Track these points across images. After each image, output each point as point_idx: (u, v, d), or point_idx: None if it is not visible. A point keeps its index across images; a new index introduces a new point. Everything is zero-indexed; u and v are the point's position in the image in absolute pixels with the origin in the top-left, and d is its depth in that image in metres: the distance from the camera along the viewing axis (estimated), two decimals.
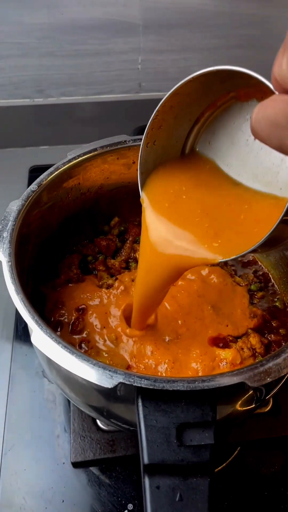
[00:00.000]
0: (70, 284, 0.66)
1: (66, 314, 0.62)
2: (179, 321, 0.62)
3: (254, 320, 0.64)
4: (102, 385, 0.40)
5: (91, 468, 0.64)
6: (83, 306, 0.63)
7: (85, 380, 0.41)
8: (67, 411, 0.68)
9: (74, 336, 0.61)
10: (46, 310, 0.63)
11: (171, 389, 0.40)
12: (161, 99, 1.09)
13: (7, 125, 1.07)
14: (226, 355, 0.58)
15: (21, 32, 0.94)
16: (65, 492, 0.62)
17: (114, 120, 1.08)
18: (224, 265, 0.70)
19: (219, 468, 0.63)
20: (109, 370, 0.41)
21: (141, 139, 0.65)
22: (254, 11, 0.96)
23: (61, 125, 1.08)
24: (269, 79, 0.34)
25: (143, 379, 0.40)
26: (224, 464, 0.64)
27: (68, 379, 0.49)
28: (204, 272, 0.68)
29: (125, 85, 1.06)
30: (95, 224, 0.73)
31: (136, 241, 0.71)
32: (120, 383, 0.40)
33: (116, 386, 0.40)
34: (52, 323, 0.61)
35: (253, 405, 0.52)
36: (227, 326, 0.63)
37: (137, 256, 0.69)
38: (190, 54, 1.03)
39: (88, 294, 0.65)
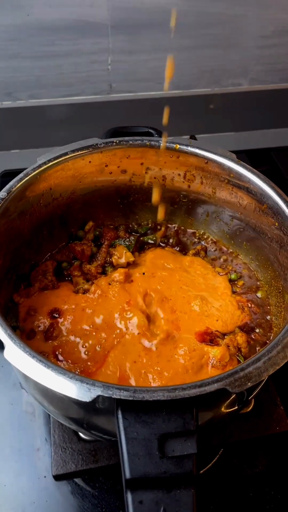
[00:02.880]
0: (45, 291, 0.65)
1: (40, 321, 0.61)
2: (165, 314, 0.62)
3: (244, 315, 0.63)
4: (80, 399, 0.39)
5: (74, 480, 0.62)
6: (57, 310, 0.62)
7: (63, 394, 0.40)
8: (47, 423, 0.66)
9: (49, 343, 0.59)
10: (20, 319, 0.61)
11: (151, 399, 0.39)
12: (132, 100, 1.08)
13: None
14: (215, 353, 0.58)
15: None
16: (47, 506, 0.60)
17: (85, 122, 1.07)
18: (205, 256, 0.70)
19: (202, 471, 0.62)
20: (87, 383, 0.40)
21: (113, 141, 0.65)
22: (222, 10, 0.96)
23: (32, 128, 1.06)
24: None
25: (122, 391, 0.39)
26: (207, 467, 0.63)
27: (46, 392, 0.47)
28: (186, 261, 0.68)
29: (96, 86, 1.04)
30: (69, 230, 0.71)
31: (112, 245, 0.70)
32: (98, 395, 0.39)
33: (95, 399, 0.39)
34: (25, 332, 0.60)
35: (236, 407, 0.51)
36: (217, 321, 0.62)
37: (114, 260, 0.68)
38: (160, 54, 1.02)
39: (63, 300, 0.63)
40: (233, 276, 0.67)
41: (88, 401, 0.39)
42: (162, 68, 1.04)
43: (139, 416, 0.39)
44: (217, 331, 0.61)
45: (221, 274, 0.67)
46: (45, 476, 0.62)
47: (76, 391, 0.40)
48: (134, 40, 0.98)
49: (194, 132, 1.09)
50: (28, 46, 0.95)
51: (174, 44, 1.00)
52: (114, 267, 0.67)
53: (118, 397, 0.39)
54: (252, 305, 0.64)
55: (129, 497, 0.36)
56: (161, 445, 0.38)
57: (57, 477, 0.61)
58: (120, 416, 0.40)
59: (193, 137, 1.00)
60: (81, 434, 0.63)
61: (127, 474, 0.37)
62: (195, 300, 0.63)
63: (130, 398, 0.39)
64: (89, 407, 0.44)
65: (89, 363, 0.57)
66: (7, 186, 0.57)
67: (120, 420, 0.39)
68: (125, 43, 0.99)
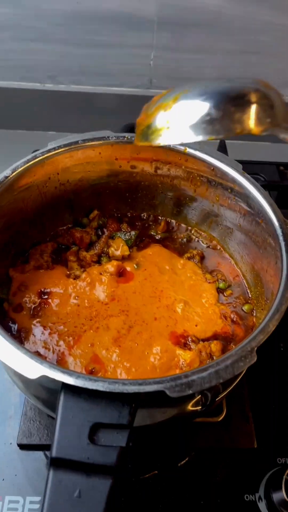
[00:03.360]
0: (40, 270, 0.68)
1: (29, 298, 0.64)
2: (146, 313, 0.63)
3: (224, 324, 0.63)
4: (25, 374, 0.41)
5: (36, 452, 0.65)
6: (47, 291, 0.64)
7: None
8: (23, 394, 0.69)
9: (33, 320, 0.62)
10: (10, 293, 0.64)
11: (90, 388, 0.40)
12: None
13: (16, 107, 1.09)
14: (185, 357, 0.59)
15: (37, 16, 0.95)
16: (7, 471, 0.63)
17: (122, 113, 1.08)
18: (199, 261, 0.70)
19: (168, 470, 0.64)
20: (36, 361, 0.42)
21: (124, 136, 0.66)
22: (270, 18, 0.94)
23: (69, 112, 1.09)
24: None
25: (65, 374, 0.41)
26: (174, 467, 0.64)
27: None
28: (178, 263, 0.70)
29: (136, 79, 1.06)
30: (75, 215, 0.73)
31: (112, 236, 0.72)
32: (43, 375, 0.41)
33: (39, 377, 0.41)
34: (13, 306, 0.63)
35: (197, 409, 0.52)
36: (196, 326, 0.63)
37: (110, 252, 0.70)
38: (203, 56, 1.02)
39: (54, 282, 0.66)
40: (221, 285, 0.67)
41: (33, 378, 0.41)
42: (204, 69, 1.05)
43: (79, 401, 0.41)
44: (194, 335, 0.61)
45: (209, 281, 0.67)
46: (11, 443, 0.66)
47: (22, 367, 0.42)
48: (178, 38, 0.99)
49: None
50: (75, 33, 0.98)
51: (218, 47, 1.00)
52: (110, 258, 0.69)
53: (61, 379, 0.41)
54: (235, 317, 0.63)
55: (50, 474, 0.38)
56: (93, 433, 0.40)
57: (21, 446, 0.64)
58: (61, 397, 0.41)
59: (222, 142, 1.00)
60: None
61: (53, 453, 0.39)
62: (178, 303, 0.64)
63: (72, 383, 0.41)
64: (42, 385, 0.47)
65: (64, 346, 0.59)
66: (13, 166, 0.59)
67: (61, 402, 0.41)
68: (169, 40, 0.99)
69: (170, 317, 0.63)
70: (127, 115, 1.08)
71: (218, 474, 0.65)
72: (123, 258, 0.69)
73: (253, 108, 0.41)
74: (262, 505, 0.62)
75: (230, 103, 0.41)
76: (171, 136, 0.44)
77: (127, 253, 0.69)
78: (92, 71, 1.04)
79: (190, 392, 0.41)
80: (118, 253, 0.69)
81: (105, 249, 0.70)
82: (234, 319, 0.63)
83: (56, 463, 0.39)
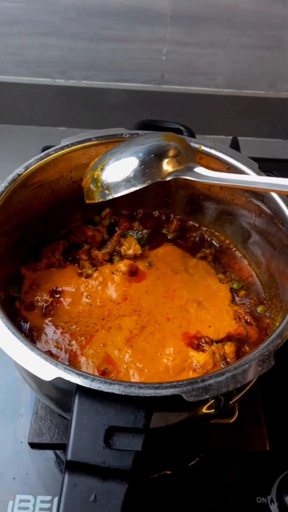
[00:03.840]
0: (51, 269, 0.67)
1: (41, 296, 0.63)
2: (159, 313, 0.62)
3: (238, 326, 0.62)
4: (40, 376, 0.41)
5: (47, 451, 0.65)
6: (58, 290, 0.64)
7: None
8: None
9: (45, 319, 0.61)
10: (22, 291, 0.64)
11: (106, 390, 0.40)
12: (182, 93, 1.08)
13: (27, 103, 1.08)
14: (198, 359, 0.58)
15: (48, 11, 0.94)
16: (18, 470, 0.63)
17: (132, 109, 1.07)
18: (212, 260, 0.69)
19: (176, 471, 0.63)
20: (51, 363, 0.42)
21: (138, 134, 0.65)
22: (285, 13, 0.92)
23: (80, 108, 1.08)
24: None
25: (80, 377, 0.41)
26: (183, 467, 0.64)
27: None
28: (191, 262, 0.69)
29: (148, 75, 1.05)
30: (87, 213, 0.73)
31: (124, 235, 0.71)
32: (58, 377, 0.41)
33: (54, 380, 0.41)
34: (24, 304, 0.62)
35: (211, 412, 0.51)
36: (209, 327, 0.62)
37: (122, 250, 0.69)
38: (217, 51, 1.01)
39: (66, 281, 0.65)
40: (235, 286, 0.66)
41: (48, 380, 0.41)
42: (217, 64, 1.03)
43: (94, 404, 0.41)
44: (207, 337, 0.60)
45: (222, 281, 0.66)
46: (21, 442, 0.65)
47: (39, 369, 0.41)
48: (192, 33, 0.97)
49: (240, 134, 1.07)
50: (86, 28, 0.97)
51: (232, 42, 0.98)
52: (122, 257, 0.69)
53: (75, 382, 0.40)
54: (249, 318, 0.63)
55: (65, 477, 0.38)
56: (108, 436, 0.39)
57: (32, 445, 0.64)
58: (76, 400, 0.41)
59: (235, 139, 0.99)
60: None
61: (68, 456, 0.39)
62: (191, 303, 0.63)
63: (87, 386, 0.40)
64: (56, 386, 0.46)
65: (76, 345, 0.59)
66: (26, 163, 0.59)
67: (76, 404, 0.41)
68: (183, 35, 0.98)
69: (183, 317, 0.62)
70: (139, 111, 1.08)
71: (230, 476, 0.64)
72: (135, 257, 0.68)
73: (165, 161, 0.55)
74: (274, 508, 0.62)
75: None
76: (103, 194, 0.55)
77: (139, 252, 0.68)
78: (103, 66, 1.03)
79: (207, 397, 0.40)
80: (130, 252, 0.68)
81: (117, 247, 0.70)
82: (248, 320, 0.63)
83: (71, 467, 0.38)
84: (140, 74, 1.04)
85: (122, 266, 0.66)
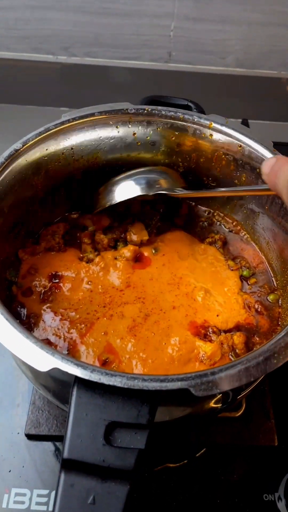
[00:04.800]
0: (51, 252, 0.63)
1: (39, 281, 0.60)
2: (163, 301, 0.59)
3: (248, 315, 0.59)
4: (35, 367, 0.38)
5: (44, 443, 0.62)
6: (58, 275, 0.60)
7: None
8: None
9: (43, 305, 0.58)
10: (20, 275, 0.61)
11: (107, 383, 0.37)
12: (190, 72, 1.03)
13: (27, 81, 1.04)
14: (205, 349, 0.55)
15: None
16: (13, 462, 0.60)
17: (138, 88, 1.02)
18: (221, 246, 0.65)
19: (178, 464, 0.60)
20: (47, 352, 0.38)
21: (144, 109, 0.61)
22: None
23: (82, 87, 1.04)
24: None
25: (79, 367, 0.37)
26: (184, 462, 0.61)
27: None
28: (199, 248, 0.65)
29: (154, 52, 1.00)
30: (91, 195, 0.69)
31: (133, 221, 0.67)
32: (54, 368, 0.37)
33: (50, 370, 0.38)
34: (22, 289, 0.59)
35: (219, 406, 0.48)
36: (217, 316, 0.58)
37: (128, 236, 0.65)
38: (227, 27, 0.96)
39: (66, 265, 0.62)
40: (245, 273, 0.62)
41: (43, 371, 0.38)
42: (228, 41, 0.98)
43: (93, 398, 0.37)
44: (215, 326, 0.57)
45: (232, 268, 0.62)
46: (18, 433, 0.62)
47: (34, 359, 0.38)
48: (201, 8, 0.92)
49: (249, 117, 1.02)
50: (90, 1, 0.92)
51: (243, 17, 0.93)
52: (127, 243, 0.65)
53: (74, 373, 0.37)
54: (260, 307, 0.59)
55: (61, 477, 0.35)
56: (109, 432, 0.36)
57: (29, 436, 0.62)
58: (74, 392, 0.38)
59: (245, 122, 0.94)
60: None
61: (65, 454, 0.35)
62: (199, 291, 0.59)
63: (86, 377, 0.37)
64: (53, 376, 0.43)
65: (75, 334, 0.56)
66: (24, 138, 0.55)
67: (73, 397, 0.37)
68: (192, 10, 0.93)
69: (189, 306, 0.58)
70: (144, 91, 1.03)
71: (236, 472, 0.61)
72: (142, 243, 0.65)
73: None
74: (281, 506, 0.59)
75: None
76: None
77: (146, 237, 0.64)
78: (108, 42, 0.98)
79: (218, 391, 0.37)
80: (135, 238, 0.64)
81: (123, 234, 0.66)
82: (259, 310, 0.59)
83: (68, 465, 0.35)
84: (146, 51, 0.99)
85: (126, 251, 0.62)
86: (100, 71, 1.02)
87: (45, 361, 0.38)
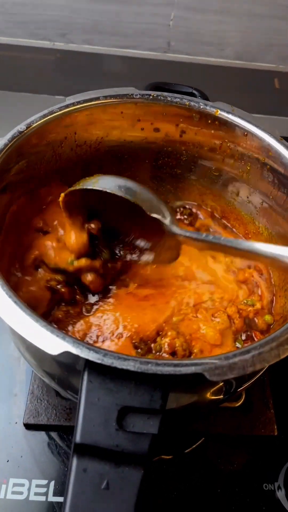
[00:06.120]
0: None
1: None
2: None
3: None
4: (46, 350, 0.37)
5: (43, 433, 0.61)
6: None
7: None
8: (30, 371, 0.65)
9: None
10: None
11: (120, 367, 0.36)
12: (189, 63, 1.01)
13: (23, 67, 1.02)
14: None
15: None
16: (11, 452, 0.59)
17: (135, 77, 1.01)
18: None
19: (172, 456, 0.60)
20: (57, 336, 0.37)
21: (150, 94, 0.60)
22: None
23: (79, 75, 1.02)
24: None
25: (91, 351, 0.36)
26: (184, 451, 0.60)
27: (21, 338, 0.45)
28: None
29: (153, 41, 0.99)
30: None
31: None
32: (65, 351, 0.36)
33: (61, 354, 0.37)
34: None
35: (221, 396, 0.48)
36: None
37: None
38: (227, 18, 0.95)
39: None
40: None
41: (54, 354, 0.37)
42: (227, 33, 0.98)
43: (105, 382, 0.37)
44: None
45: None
46: (16, 423, 0.61)
47: (45, 342, 0.37)
48: None
49: (249, 110, 1.02)
50: None
51: (244, 9, 0.93)
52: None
53: (86, 357, 0.36)
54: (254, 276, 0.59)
55: (74, 462, 0.34)
56: (121, 417, 0.35)
57: (27, 426, 0.60)
58: (85, 377, 0.37)
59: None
60: None
61: (77, 438, 0.34)
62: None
63: (99, 361, 0.36)
64: (59, 361, 0.42)
65: None
66: (28, 120, 0.54)
67: (85, 382, 0.37)
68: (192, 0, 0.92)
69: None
70: (141, 81, 1.02)
71: (236, 462, 0.61)
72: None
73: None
74: (281, 495, 0.59)
75: None
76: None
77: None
78: (106, 30, 0.97)
79: (232, 376, 0.37)
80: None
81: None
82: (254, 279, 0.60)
83: (80, 450, 0.34)
84: (145, 40, 0.99)
85: None
86: (97, 59, 1.01)
87: (56, 344, 0.37)
